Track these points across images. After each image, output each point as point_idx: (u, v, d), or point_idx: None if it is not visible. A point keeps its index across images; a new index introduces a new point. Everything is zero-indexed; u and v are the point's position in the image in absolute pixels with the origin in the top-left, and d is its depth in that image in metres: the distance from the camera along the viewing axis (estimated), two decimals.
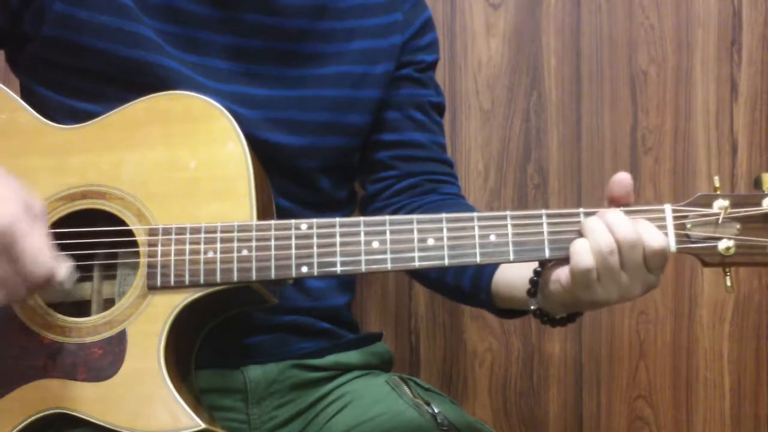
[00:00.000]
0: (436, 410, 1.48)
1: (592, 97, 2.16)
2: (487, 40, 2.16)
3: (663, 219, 1.32)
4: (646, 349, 2.16)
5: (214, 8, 1.57)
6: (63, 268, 1.27)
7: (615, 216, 1.31)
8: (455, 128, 2.16)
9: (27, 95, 1.58)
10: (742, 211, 1.31)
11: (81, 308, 1.45)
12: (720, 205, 1.31)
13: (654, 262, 1.31)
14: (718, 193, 1.33)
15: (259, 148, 1.49)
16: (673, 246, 1.32)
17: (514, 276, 1.49)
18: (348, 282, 1.74)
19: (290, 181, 1.61)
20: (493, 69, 2.16)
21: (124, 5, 1.51)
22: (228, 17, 1.57)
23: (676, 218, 1.33)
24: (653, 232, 1.30)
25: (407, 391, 1.55)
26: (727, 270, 1.33)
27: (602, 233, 1.29)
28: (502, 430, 2.16)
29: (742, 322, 2.15)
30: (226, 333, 1.54)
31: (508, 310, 1.56)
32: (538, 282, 1.41)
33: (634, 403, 2.16)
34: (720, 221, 1.31)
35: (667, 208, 1.33)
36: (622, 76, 2.16)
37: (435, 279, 1.68)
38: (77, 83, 1.53)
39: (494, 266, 1.54)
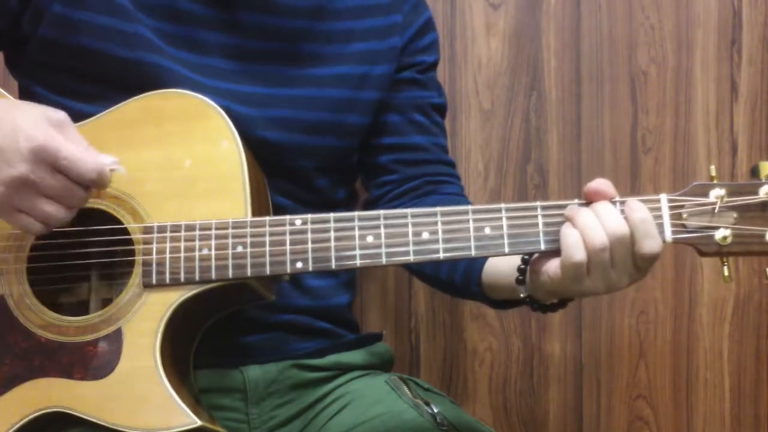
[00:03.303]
0: (435, 410, 1.48)
1: (592, 97, 2.16)
2: (487, 40, 2.16)
3: (659, 209, 1.32)
4: (646, 348, 2.15)
5: (214, 8, 1.57)
6: (108, 158, 1.34)
7: (607, 211, 1.31)
8: (455, 128, 2.16)
9: (26, 97, 1.58)
10: (739, 200, 1.31)
11: (79, 309, 1.46)
12: (716, 194, 1.31)
13: (644, 264, 1.31)
14: (715, 182, 1.33)
15: (257, 146, 1.50)
16: (669, 236, 1.32)
17: (503, 265, 1.49)
18: (348, 281, 1.73)
19: (288, 180, 1.61)
20: (493, 69, 2.16)
21: (121, 6, 1.52)
22: (227, 17, 1.58)
23: (672, 208, 1.32)
24: (648, 237, 1.30)
25: (407, 391, 1.55)
26: (724, 260, 1.33)
27: (596, 229, 1.29)
28: (502, 430, 2.16)
29: (742, 322, 2.15)
30: (224, 332, 1.54)
31: (503, 301, 1.56)
32: (525, 270, 1.41)
33: (634, 403, 2.16)
34: (716, 210, 1.31)
35: (663, 197, 1.33)
36: (622, 76, 2.16)
37: (430, 275, 1.69)
38: (75, 85, 1.53)
39: (485, 257, 1.54)
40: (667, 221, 1.32)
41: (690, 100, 2.15)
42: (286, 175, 1.60)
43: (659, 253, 1.31)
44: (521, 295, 1.44)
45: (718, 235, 1.30)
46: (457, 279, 1.60)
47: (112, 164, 1.33)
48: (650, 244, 1.30)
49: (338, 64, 1.64)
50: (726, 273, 1.32)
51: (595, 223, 1.29)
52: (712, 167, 1.35)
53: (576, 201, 1.34)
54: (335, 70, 1.64)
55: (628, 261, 1.31)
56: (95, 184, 1.32)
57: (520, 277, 1.43)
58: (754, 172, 1.32)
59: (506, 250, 1.33)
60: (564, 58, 2.16)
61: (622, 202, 1.33)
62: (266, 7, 1.59)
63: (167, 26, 1.54)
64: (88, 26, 1.51)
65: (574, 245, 1.29)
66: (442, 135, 1.78)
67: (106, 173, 1.32)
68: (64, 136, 1.31)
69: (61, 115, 1.33)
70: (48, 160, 1.28)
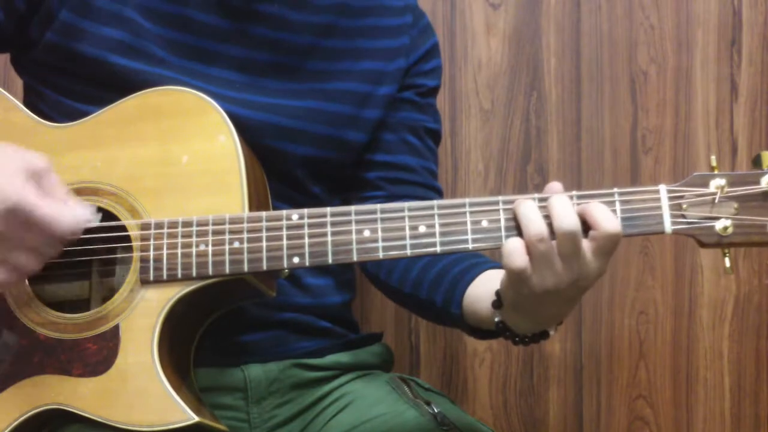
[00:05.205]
0: (436, 410, 1.48)
1: (592, 97, 2.16)
2: (487, 40, 2.17)
3: (658, 200, 1.30)
4: (646, 349, 2.15)
5: (225, 20, 1.58)
6: (84, 212, 1.33)
7: (559, 204, 1.29)
8: (455, 128, 2.16)
9: (30, 94, 1.61)
10: (740, 190, 1.29)
11: (80, 306, 1.45)
12: (717, 184, 1.29)
13: (606, 245, 1.28)
14: (715, 172, 1.31)
15: (258, 153, 1.51)
16: (668, 227, 1.30)
17: (484, 290, 1.47)
18: (347, 281, 1.74)
19: (287, 186, 1.61)
20: (493, 69, 2.16)
21: (129, 18, 1.53)
22: (238, 29, 1.58)
23: (671, 198, 1.30)
24: (605, 217, 1.28)
25: (408, 391, 1.55)
26: (725, 251, 1.31)
27: (534, 222, 1.28)
28: (502, 430, 2.16)
29: (742, 322, 2.15)
30: (225, 331, 1.54)
31: (481, 330, 1.52)
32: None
33: (634, 403, 2.16)
34: (716, 201, 1.29)
35: (662, 188, 1.31)
36: (622, 76, 2.16)
37: (408, 294, 1.66)
38: (79, 88, 1.54)
39: (468, 281, 1.52)
40: (666, 212, 1.30)
41: (690, 100, 2.15)
42: (284, 181, 1.61)
43: (618, 232, 1.28)
44: (495, 319, 1.40)
45: (719, 225, 1.28)
46: (438, 300, 1.57)
47: (89, 218, 1.34)
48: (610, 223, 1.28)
49: (344, 81, 1.65)
50: (728, 264, 1.31)
51: (535, 216, 1.28)
52: (713, 157, 1.34)
53: (575, 192, 1.32)
54: (341, 86, 1.64)
55: (577, 251, 1.28)
56: (70, 238, 1.33)
57: (497, 301, 1.39)
58: (756, 162, 1.30)
59: (503, 242, 1.32)
60: (564, 58, 2.16)
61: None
62: (278, 21, 1.60)
63: (176, 35, 1.55)
64: (92, 35, 1.52)
65: (513, 251, 1.28)
66: (433, 160, 1.78)
67: (80, 229, 1.33)
68: (42, 189, 1.30)
69: (41, 164, 1.32)
70: (21, 219, 1.27)
